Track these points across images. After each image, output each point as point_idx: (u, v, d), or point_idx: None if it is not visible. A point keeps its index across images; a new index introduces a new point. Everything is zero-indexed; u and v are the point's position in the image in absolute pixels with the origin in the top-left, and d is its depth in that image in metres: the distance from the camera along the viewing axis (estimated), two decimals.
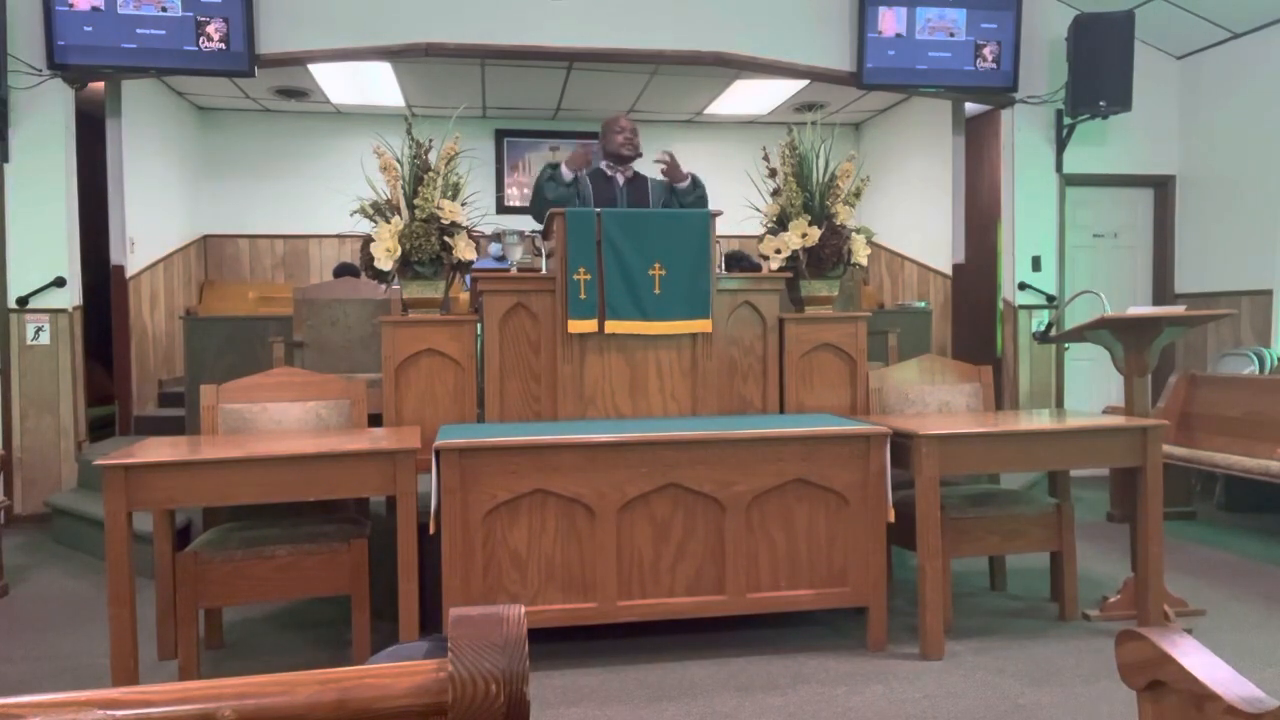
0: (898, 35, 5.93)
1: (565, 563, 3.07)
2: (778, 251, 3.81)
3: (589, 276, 3.54)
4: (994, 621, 3.56)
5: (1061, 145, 6.27)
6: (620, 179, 4.51)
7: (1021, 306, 6.30)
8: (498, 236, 3.99)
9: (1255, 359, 5.56)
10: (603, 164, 4.58)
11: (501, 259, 5.25)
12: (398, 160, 3.61)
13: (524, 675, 0.81)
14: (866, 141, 8.80)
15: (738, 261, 5.49)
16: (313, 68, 6.64)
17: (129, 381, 6.15)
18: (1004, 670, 3.05)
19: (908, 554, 3.69)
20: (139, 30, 5.22)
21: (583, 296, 3.54)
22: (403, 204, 3.58)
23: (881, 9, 5.88)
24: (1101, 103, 5.86)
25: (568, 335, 3.57)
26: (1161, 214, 6.62)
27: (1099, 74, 5.84)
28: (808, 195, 3.82)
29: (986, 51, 6.01)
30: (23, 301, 5.28)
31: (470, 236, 3.64)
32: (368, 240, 3.58)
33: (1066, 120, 6.15)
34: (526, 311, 3.62)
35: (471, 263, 3.68)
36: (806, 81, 6.77)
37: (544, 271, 3.70)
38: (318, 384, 3.53)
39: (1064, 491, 3.72)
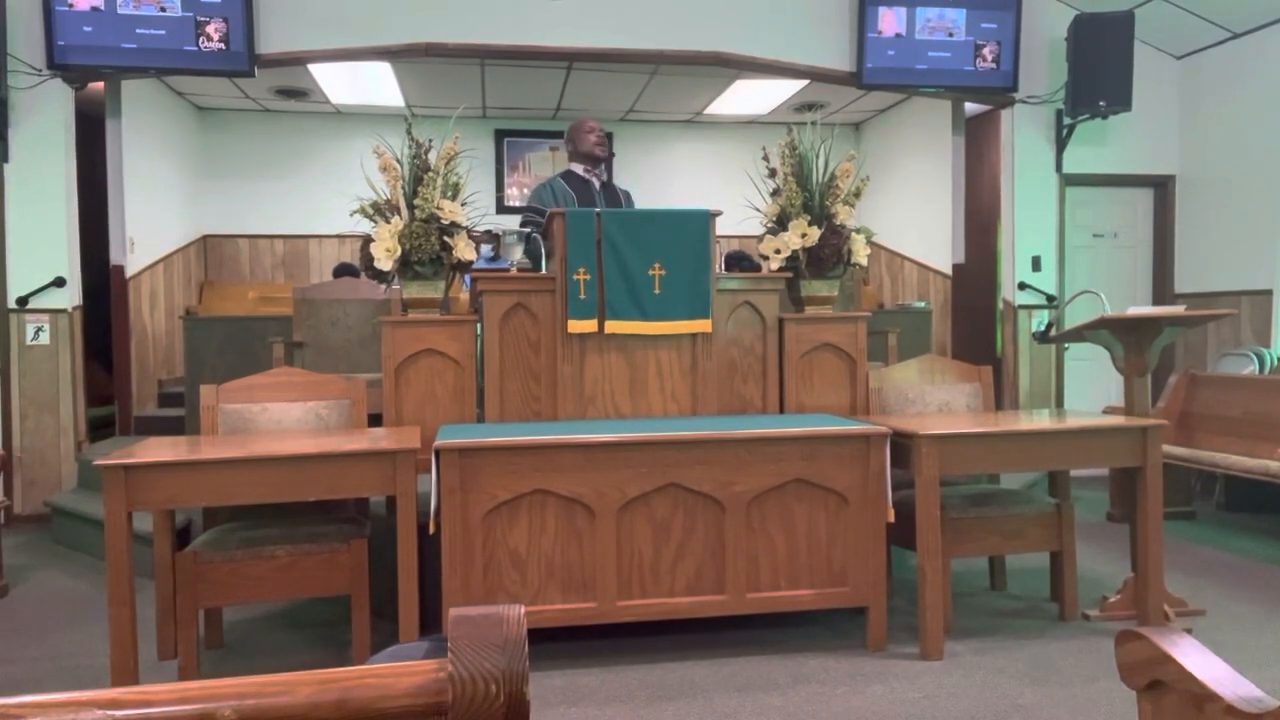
0: (897, 35, 5.93)
1: (565, 563, 3.07)
2: (778, 251, 3.81)
3: (589, 276, 3.54)
4: (994, 621, 3.56)
5: (1061, 145, 6.27)
6: (596, 183, 4.53)
7: (1021, 306, 6.30)
8: (489, 235, 4.00)
9: (1255, 359, 5.56)
10: (576, 167, 4.57)
11: (493, 260, 5.25)
12: (398, 160, 3.60)
13: (524, 675, 0.81)
14: (866, 141, 8.80)
15: (738, 261, 5.50)
16: (313, 68, 6.64)
17: (129, 381, 6.15)
18: (1004, 670, 3.05)
19: (908, 554, 3.69)
20: (139, 30, 5.22)
21: (582, 296, 3.54)
22: (402, 204, 3.58)
23: (881, 9, 5.88)
24: (1101, 103, 5.86)
25: (568, 335, 3.57)
26: (1161, 214, 6.62)
27: (1099, 74, 5.84)
28: (807, 195, 3.82)
29: (986, 51, 6.01)
30: (23, 301, 5.28)
31: (470, 237, 3.64)
32: (368, 240, 3.58)
33: (1066, 120, 6.15)
34: (526, 311, 3.61)
35: (471, 263, 3.68)
36: (806, 81, 6.77)
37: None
38: (318, 384, 3.53)
39: (1064, 491, 3.72)
